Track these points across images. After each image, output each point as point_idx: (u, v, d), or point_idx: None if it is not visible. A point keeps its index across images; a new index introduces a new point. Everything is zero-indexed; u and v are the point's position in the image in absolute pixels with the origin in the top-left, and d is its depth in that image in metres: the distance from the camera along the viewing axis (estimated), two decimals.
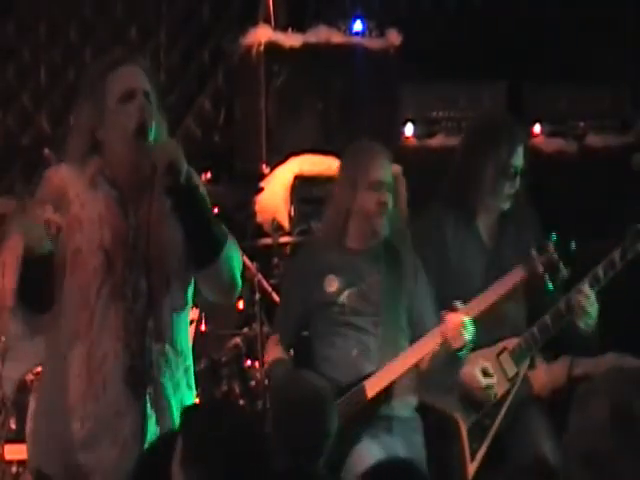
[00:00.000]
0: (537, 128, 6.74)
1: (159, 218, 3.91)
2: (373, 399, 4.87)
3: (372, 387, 4.84)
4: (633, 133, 6.88)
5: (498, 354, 4.92)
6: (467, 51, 6.97)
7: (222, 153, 6.93)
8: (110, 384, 3.92)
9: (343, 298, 4.96)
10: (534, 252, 4.83)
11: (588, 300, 4.80)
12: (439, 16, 7.20)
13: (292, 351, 5.26)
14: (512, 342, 4.91)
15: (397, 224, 5.12)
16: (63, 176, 3.96)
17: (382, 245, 5.02)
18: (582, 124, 6.85)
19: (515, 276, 4.88)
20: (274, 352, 5.14)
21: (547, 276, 4.80)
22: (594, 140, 6.80)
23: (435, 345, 4.82)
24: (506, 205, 4.99)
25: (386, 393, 4.90)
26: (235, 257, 4.09)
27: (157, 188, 3.86)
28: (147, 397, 3.88)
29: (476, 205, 5.06)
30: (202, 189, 4.05)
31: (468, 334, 4.72)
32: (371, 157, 5.02)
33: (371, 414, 4.91)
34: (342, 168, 5.16)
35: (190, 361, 4.16)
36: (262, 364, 5.94)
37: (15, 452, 5.43)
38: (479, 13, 7.24)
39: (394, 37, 6.68)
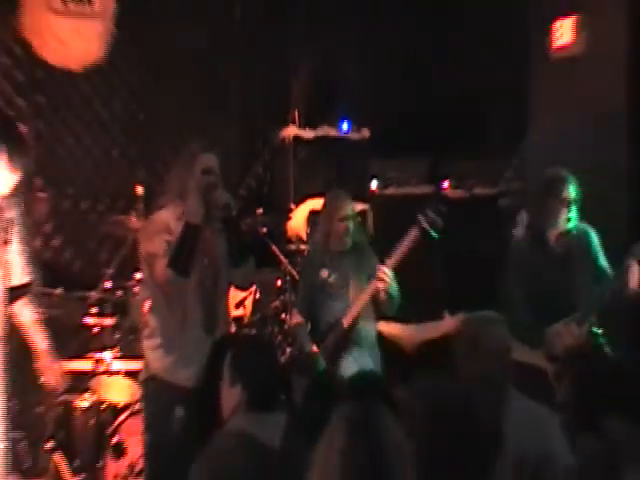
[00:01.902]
0: (446, 184, 6.89)
1: (217, 237, 4.42)
2: (348, 327, 5.21)
3: (346, 320, 5.21)
4: (501, 185, 7.03)
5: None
6: (402, 140, 6.88)
7: (268, 197, 7.22)
8: (193, 324, 4.39)
9: (331, 280, 5.35)
10: (420, 216, 5.03)
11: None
12: (391, 119, 7.13)
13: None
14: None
15: (361, 236, 5.42)
16: (165, 216, 4.42)
17: (350, 248, 5.34)
18: (471, 181, 6.97)
19: (413, 233, 5.05)
20: (295, 318, 5.49)
21: (431, 230, 5.02)
22: (479, 191, 6.97)
23: (374, 290, 5.15)
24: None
25: (354, 324, 5.22)
26: (251, 265, 4.56)
27: (215, 219, 4.38)
28: (216, 334, 4.36)
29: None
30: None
31: (390, 280, 5.09)
32: (339, 200, 5.37)
33: (348, 338, 5.22)
34: (325, 207, 5.43)
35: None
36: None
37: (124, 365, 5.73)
38: (414, 116, 7.13)
39: (365, 132, 7.24)
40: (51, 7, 6.60)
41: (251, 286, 5.49)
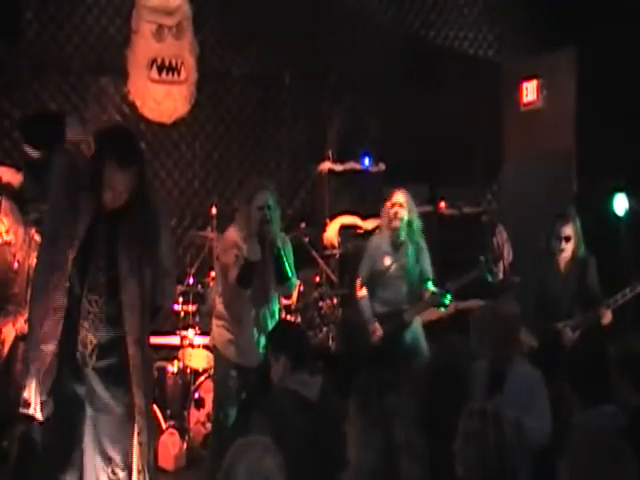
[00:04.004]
0: (443, 204, 6.92)
1: (269, 263, 4.33)
2: (408, 321, 5.12)
3: (407, 316, 5.13)
4: (482, 206, 7.01)
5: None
6: (409, 171, 6.76)
7: (309, 215, 7.03)
8: (249, 323, 4.39)
9: (391, 270, 5.11)
10: (482, 261, 4.97)
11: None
12: (401, 157, 6.93)
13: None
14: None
15: (419, 236, 5.19)
16: (234, 235, 4.37)
17: (407, 241, 5.12)
18: (461, 202, 6.95)
19: (474, 272, 4.99)
20: (362, 292, 5.17)
21: (487, 274, 4.96)
22: (467, 209, 6.92)
23: (433, 304, 5.10)
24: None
25: (411, 320, 5.12)
26: (292, 285, 4.51)
27: (269, 245, 4.31)
28: (262, 331, 4.32)
29: None
30: (287, 254, 4.33)
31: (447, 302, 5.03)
32: (393, 206, 5.14)
33: (406, 326, 5.12)
34: (383, 211, 5.23)
35: (276, 308, 4.51)
36: (333, 303, 6.24)
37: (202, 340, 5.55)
38: (417, 155, 6.93)
39: (381, 166, 7.02)
40: (150, 77, 6.70)
41: (292, 295, 5.34)
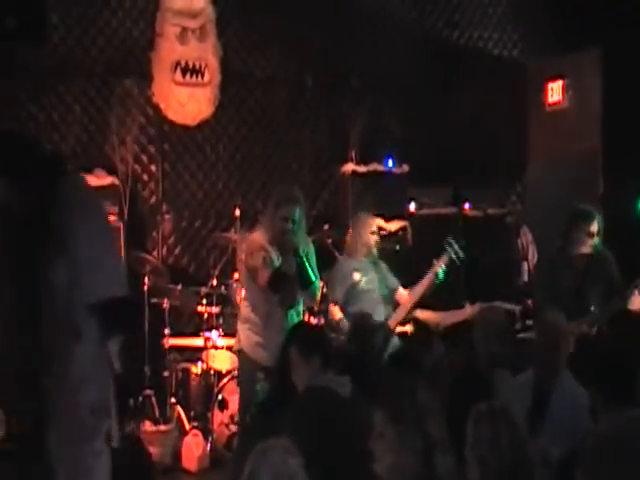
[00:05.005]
0: (467, 205, 6.89)
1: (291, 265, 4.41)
2: (393, 328, 5.14)
3: (391, 322, 5.16)
4: (507, 207, 7.04)
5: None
6: (432, 173, 6.85)
7: (332, 216, 7.01)
8: (277, 325, 4.47)
9: (362, 284, 5.21)
10: (448, 248, 4.88)
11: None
12: (424, 158, 6.90)
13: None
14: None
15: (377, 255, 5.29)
16: (259, 238, 4.48)
17: (373, 259, 5.28)
18: (485, 204, 6.91)
19: (441, 261, 4.99)
20: (338, 314, 5.21)
21: (456, 259, 4.87)
22: (491, 211, 6.88)
23: (412, 305, 5.15)
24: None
25: (396, 326, 5.13)
26: (316, 289, 4.59)
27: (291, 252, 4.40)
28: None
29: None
30: (309, 259, 4.38)
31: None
32: (369, 223, 5.30)
33: (392, 334, 5.12)
34: (354, 228, 5.30)
35: (301, 308, 4.61)
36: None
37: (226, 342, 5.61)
38: (441, 156, 6.97)
39: (405, 167, 6.99)
40: (174, 79, 6.73)
41: (315, 301, 5.21)
